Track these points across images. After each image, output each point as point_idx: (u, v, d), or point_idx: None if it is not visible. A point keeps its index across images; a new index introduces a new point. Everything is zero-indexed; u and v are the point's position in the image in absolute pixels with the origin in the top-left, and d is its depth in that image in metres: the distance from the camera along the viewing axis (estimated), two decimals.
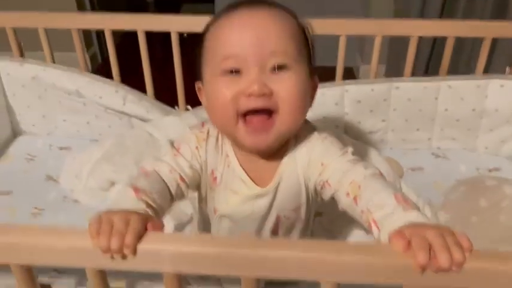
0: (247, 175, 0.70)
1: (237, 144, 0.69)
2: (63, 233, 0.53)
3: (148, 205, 0.59)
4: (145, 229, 0.52)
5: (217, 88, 0.64)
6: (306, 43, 0.68)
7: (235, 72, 0.62)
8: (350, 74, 2.45)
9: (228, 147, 0.72)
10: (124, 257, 0.50)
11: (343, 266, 0.49)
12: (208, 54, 0.67)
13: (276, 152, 0.70)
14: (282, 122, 0.64)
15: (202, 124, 0.74)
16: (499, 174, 1.20)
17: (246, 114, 0.63)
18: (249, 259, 0.50)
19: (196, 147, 0.70)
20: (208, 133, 0.72)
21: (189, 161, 0.69)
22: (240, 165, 0.71)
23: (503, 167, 1.22)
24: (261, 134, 0.64)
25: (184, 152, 0.70)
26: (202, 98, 0.72)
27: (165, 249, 0.51)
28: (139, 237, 0.51)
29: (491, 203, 1.00)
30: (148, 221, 0.54)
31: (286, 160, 0.71)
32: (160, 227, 0.55)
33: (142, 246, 0.51)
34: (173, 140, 0.73)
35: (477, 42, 1.65)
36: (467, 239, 0.49)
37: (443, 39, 1.20)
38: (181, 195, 0.69)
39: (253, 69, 0.61)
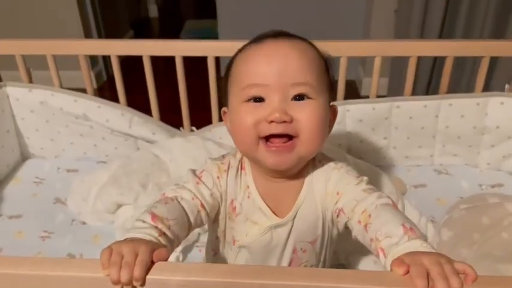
0: (267, 206, 0.73)
1: (259, 166, 0.72)
2: (74, 263, 0.55)
3: (162, 233, 0.61)
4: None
5: (241, 114, 0.68)
6: (327, 73, 0.72)
7: (259, 100, 0.66)
8: (352, 88, 2.45)
9: (248, 178, 0.75)
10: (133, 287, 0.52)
11: None
12: (234, 82, 0.70)
13: (295, 179, 0.74)
14: (302, 146, 0.67)
15: (223, 156, 0.78)
16: (502, 190, 1.21)
17: (267, 138, 0.67)
18: None
19: (218, 177, 0.74)
20: (229, 164, 0.75)
21: (210, 188, 0.72)
22: (260, 195, 0.74)
23: (506, 182, 1.23)
24: (283, 153, 0.67)
25: (206, 180, 0.73)
26: (226, 122, 0.76)
27: (173, 279, 0.53)
28: (148, 268, 0.53)
29: (493, 220, 1.01)
30: (155, 250, 0.55)
31: (305, 189, 0.74)
32: (164, 256, 0.56)
33: (150, 277, 0.53)
34: (195, 169, 0.76)
35: (478, 60, 1.67)
36: (470, 268, 0.50)
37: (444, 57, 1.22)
38: (200, 223, 0.72)
39: (275, 98, 0.65)
